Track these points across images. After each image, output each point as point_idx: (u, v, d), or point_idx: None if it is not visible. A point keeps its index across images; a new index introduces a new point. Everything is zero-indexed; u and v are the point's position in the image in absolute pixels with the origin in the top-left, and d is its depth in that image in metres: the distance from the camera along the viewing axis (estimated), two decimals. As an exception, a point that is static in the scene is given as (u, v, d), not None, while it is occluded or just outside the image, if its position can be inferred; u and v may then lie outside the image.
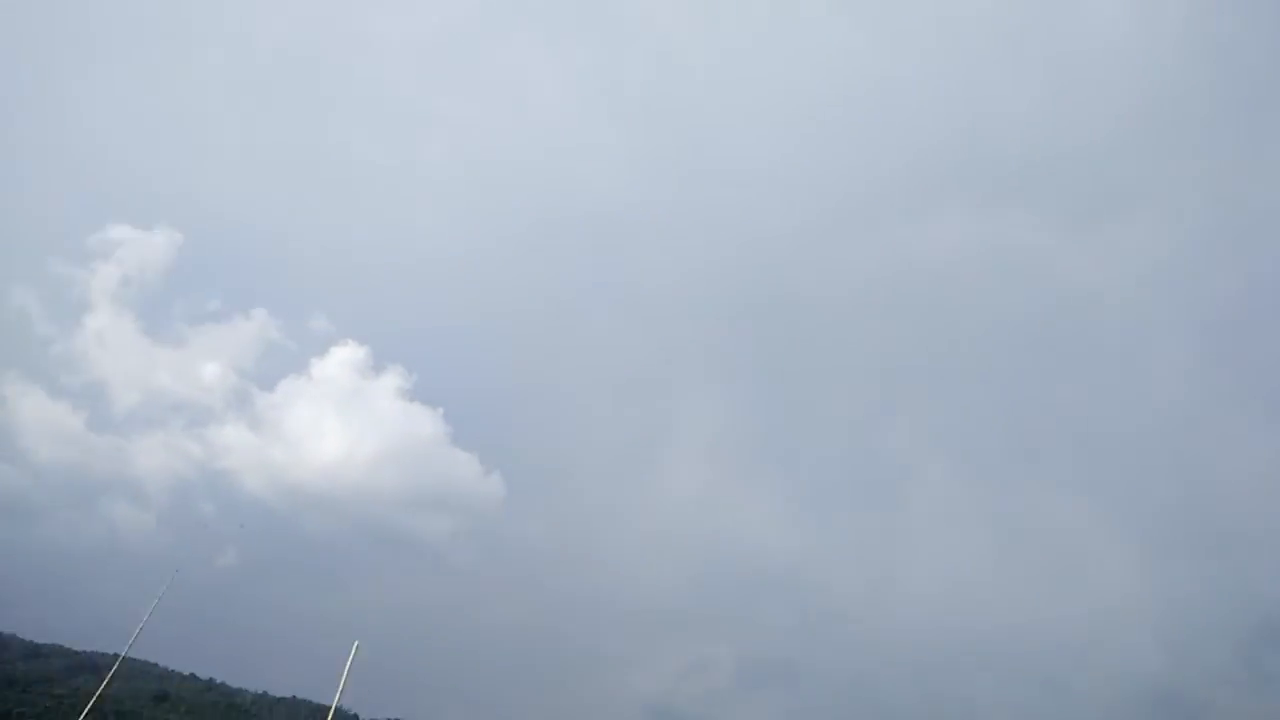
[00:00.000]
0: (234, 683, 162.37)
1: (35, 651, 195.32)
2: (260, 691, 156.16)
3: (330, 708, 33.43)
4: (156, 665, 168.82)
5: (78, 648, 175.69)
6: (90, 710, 53.70)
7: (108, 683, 72.11)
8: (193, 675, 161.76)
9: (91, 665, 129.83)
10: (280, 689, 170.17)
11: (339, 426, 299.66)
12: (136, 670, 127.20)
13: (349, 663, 24.33)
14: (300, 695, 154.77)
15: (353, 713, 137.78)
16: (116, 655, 75.79)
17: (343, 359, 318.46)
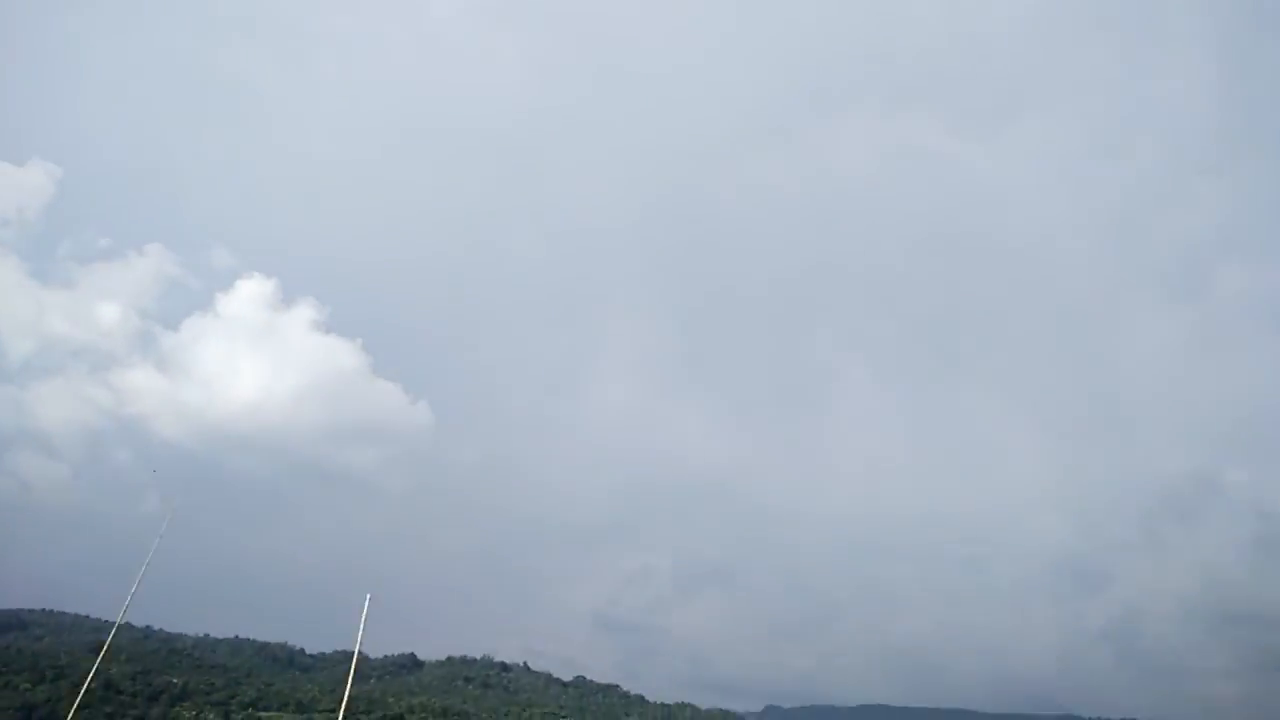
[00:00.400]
0: (172, 628, 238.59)
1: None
2: (201, 634, 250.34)
3: (274, 644, 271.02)
4: (89, 617, 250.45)
5: (1, 605, 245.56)
6: (26, 668, 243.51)
7: (41, 639, 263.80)
8: (128, 624, 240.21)
9: (19, 622, 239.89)
10: (221, 630, 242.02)
11: (253, 364, 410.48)
12: (68, 624, 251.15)
13: (364, 614, 23.82)
14: (242, 635, 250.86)
15: (298, 647, 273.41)
16: (46, 610, 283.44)
17: (250, 293, 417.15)
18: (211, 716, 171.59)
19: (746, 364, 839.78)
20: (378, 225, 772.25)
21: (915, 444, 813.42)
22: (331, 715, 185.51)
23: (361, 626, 25.80)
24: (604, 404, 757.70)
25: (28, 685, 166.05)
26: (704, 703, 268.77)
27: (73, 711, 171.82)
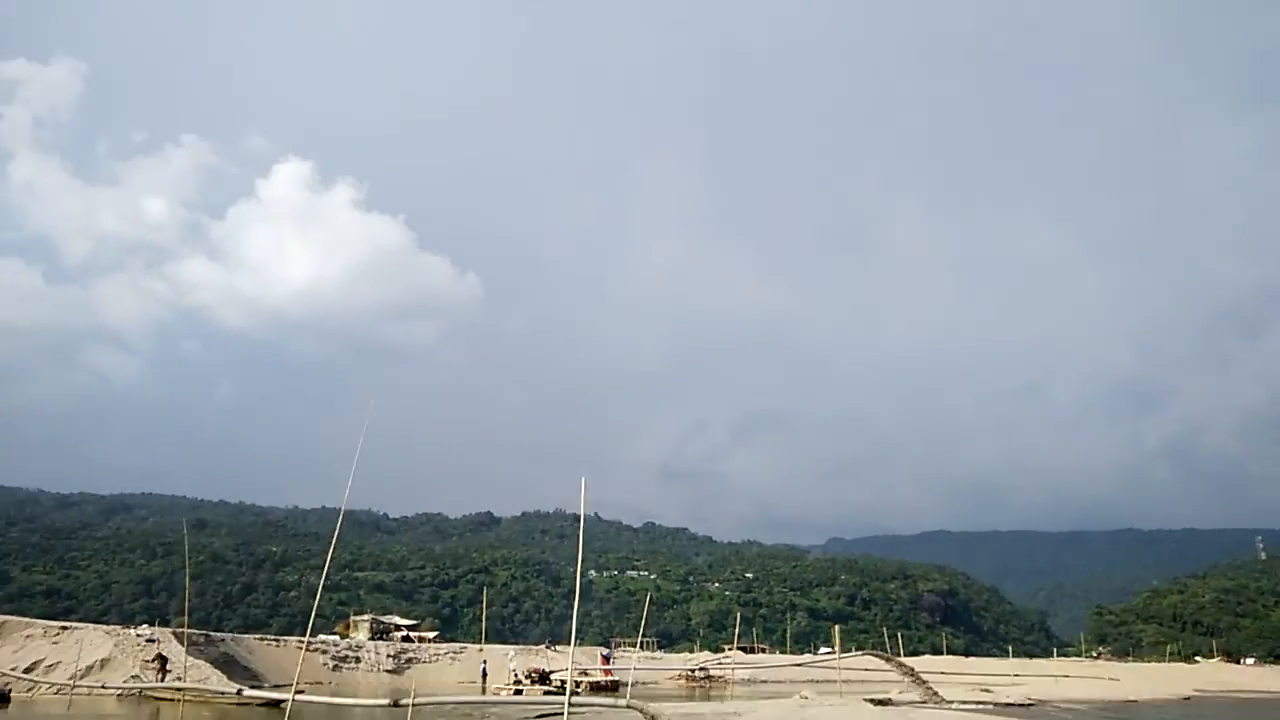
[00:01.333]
0: (263, 503, 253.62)
1: (65, 501, 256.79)
2: (290, 506, 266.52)
3: (344, 511, 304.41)
4: (185, 497, 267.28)
5: (103, 491, 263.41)
6: (138, 546, 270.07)
7: (145, 520, 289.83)
8: (222, 501, 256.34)
9: (123, 506, 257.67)
10: (308, 502, 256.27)
11: (301, 248, 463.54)
12: (167, 505, 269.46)
13: (583, 493, 23.11)
14: (329, 505, 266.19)
15: (381, 512, 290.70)
16: (145, 494, 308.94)
17: (289, 176, 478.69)
18: (312, 579, 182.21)
19: (793, 210, 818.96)
20: (409, 97, 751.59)
21: (969, 277, 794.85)
22: (420, 572, 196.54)
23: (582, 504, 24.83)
24: (651, 260, 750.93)
25: (143, 561, 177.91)
26: (769, 539, 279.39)
27: (188, 581, 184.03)
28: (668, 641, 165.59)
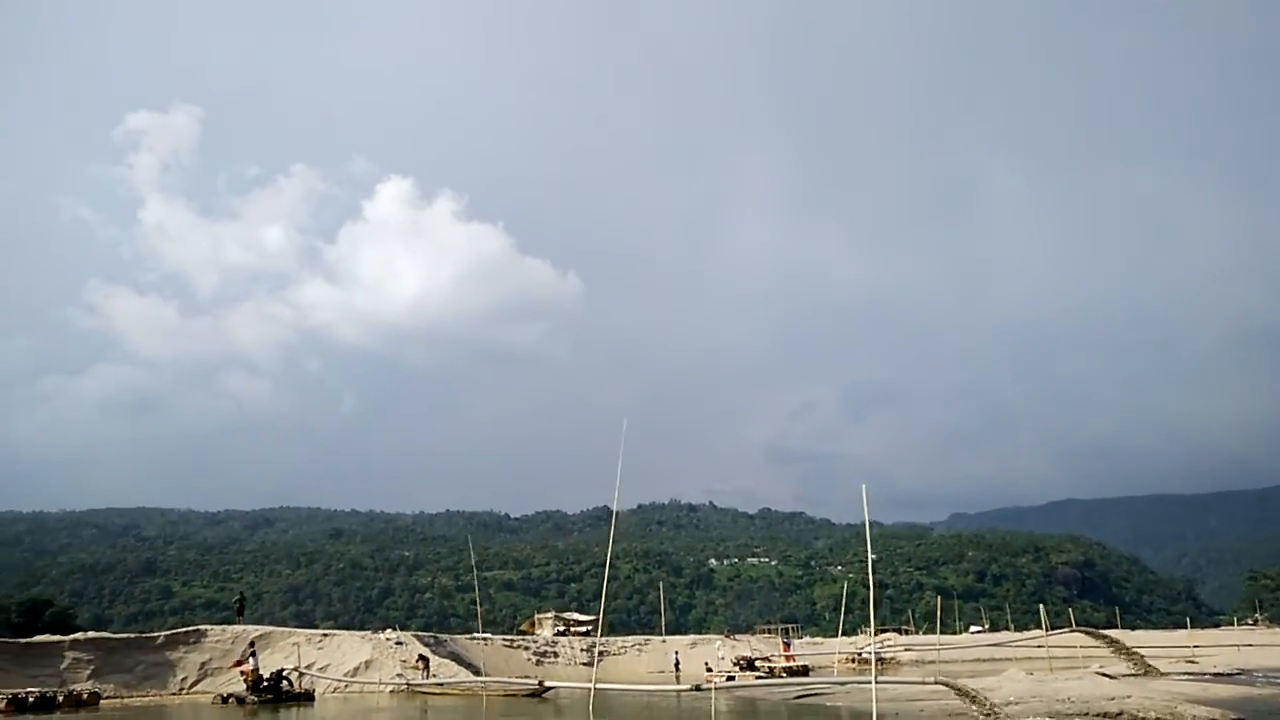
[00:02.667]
0: (390, 509, 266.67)
1: (213, 519, 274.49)
2: (417, 512, 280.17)
3: (482, 512, 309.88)
4: (320, 509, 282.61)
5: (246, 508, 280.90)
6: (283, 557, 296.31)
7: (286, 531, 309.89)
8: (353, 510, 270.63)
9: (265, 520, 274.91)
10: (433, 506, 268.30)
11: (409, 262, 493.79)
12: (305, 516, 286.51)
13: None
14: (451, 508, 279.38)
15: (503, 512, 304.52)
16: (284, 507, 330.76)
17: (392, 195, 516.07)
18: (444, 580, 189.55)
19: (888, 178, 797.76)
20: (499, 107, 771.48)
21: (1087, 233, 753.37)
22: (545, 569, 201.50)
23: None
24: (747, 242, 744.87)
25: (288, 571, 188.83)
26: (888, 518, 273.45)
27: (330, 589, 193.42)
28: (792, 625, 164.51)
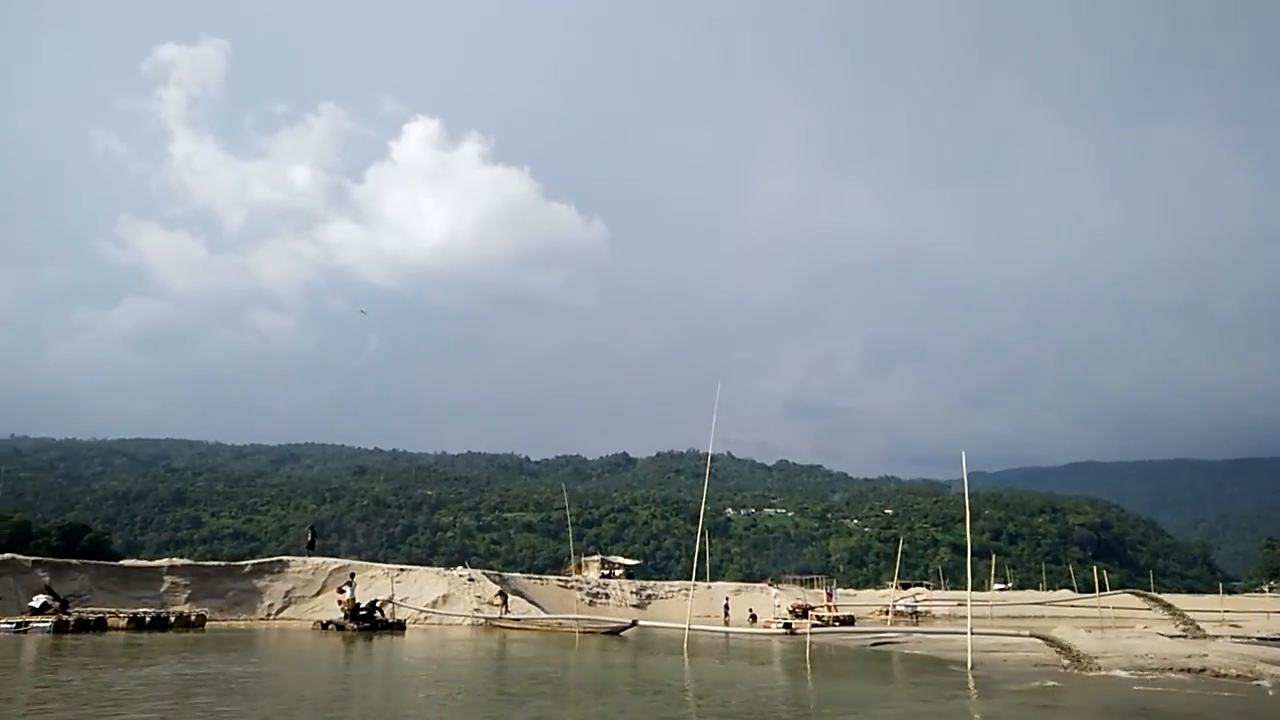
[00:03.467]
0: (413, 449, 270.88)
1: (240, 452, 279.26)
2: (439, 452, 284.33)
3: (502, 455, 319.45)
4: (345, 446, 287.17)
5: (272, 443, 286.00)
6: (309, 492, 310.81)
7: (311, 467, 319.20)
8: (376, 449, 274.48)
9: (290, 456, 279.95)
10: (455, 447, 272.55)
11: (435, 204, 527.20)
12: (330, 453, 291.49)
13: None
14: (474, 450, 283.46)
15: (523, 455, 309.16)
16: (309, 444, 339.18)
17: (419, 135, 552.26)
18: (465, 519, 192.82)
19: (912, 132, 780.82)
20: (527, 50, 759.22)
21: (1114, 191, 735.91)
22: (564, 512, 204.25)
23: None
24: (772, 195, 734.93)
25: (314, 506, 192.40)
26: (905, 474, 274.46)
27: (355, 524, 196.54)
28: (807, 577, 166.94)
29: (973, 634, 21.22)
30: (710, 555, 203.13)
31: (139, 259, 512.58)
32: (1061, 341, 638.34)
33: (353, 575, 38.03)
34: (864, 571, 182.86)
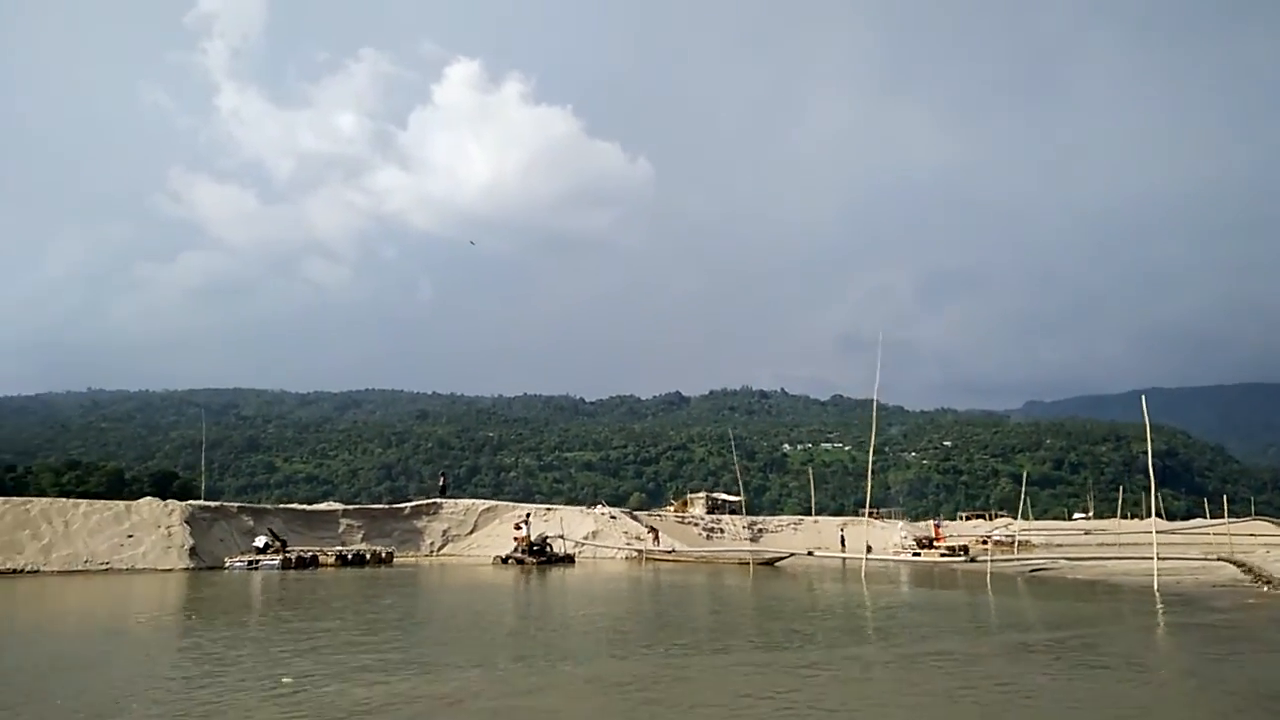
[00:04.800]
0: (470, 393, 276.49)
1: (305, 400, 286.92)
2: (495, 395, 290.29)
3: (558, 396, 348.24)
4: (404, 391, 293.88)
5: (335, 389, 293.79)
6: (375, 436, 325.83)
7: (374, 413, 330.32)
8: (435, 393, 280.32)
9: (353, 401, 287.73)
10: (511, 390, 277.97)
11: (479, 147, 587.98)
12: (390, 398, 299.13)
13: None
14: (530, 392, 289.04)
15: (578, 396, 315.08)
16: (369, 389, 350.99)
17: (460, 78, 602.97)
18: (527, 460, 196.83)
19: (970, 54, 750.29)
20: None
21: (1176, 109, 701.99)
22: (623, 450, 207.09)
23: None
24: (823, 124, 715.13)
25: (380, 450, 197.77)
26: (963, 405, 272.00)
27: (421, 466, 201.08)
28: (863, 509, 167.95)
29: (1159, 559, 21.29)
30: (769, 489, 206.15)
31: (193, 212, 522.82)
32: (1124, 266, 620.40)
33: (528, 515, 40.35)
34: (924, 504, 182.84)
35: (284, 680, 9.03)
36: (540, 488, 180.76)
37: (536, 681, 9.51)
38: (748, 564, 33.67)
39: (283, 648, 11.66)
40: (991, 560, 27.08)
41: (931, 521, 63.76)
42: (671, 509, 60.34)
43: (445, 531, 41.81)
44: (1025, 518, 78.05)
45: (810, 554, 33.94)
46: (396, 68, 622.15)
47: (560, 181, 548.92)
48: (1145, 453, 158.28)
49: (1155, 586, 20.87)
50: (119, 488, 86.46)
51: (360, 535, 38.81)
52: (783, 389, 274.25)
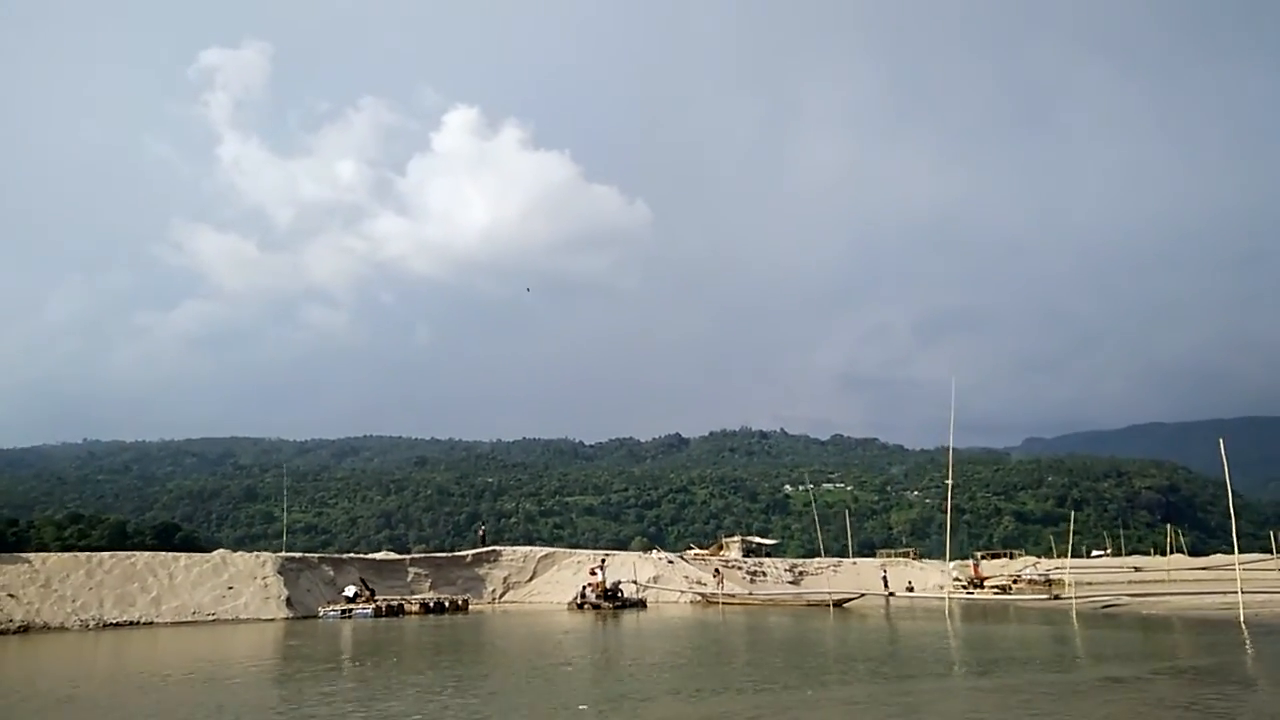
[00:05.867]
0: (469, 438, 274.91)
1: (303, 448, 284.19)
2: (494, 440, 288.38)
3: (557, 440, 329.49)
4: (402, 437, 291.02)
5: (332, 436, 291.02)
6: (373, 484, 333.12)
7: (371, 460, 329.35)
8: (433, 439, 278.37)
9: (351, 449, 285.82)
10: (509, 434, 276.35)
11: (477, 193, 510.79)
12: (388, 445, 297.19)
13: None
14: (528, 436, 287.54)
15: (577, 440, 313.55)
16: (367, 436, 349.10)
17: (458, 125, 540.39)
18: (527, 505, 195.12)
19: (962, 91, 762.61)
20: (563, 31, 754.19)
21: (1173, 142, 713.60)
22: (624, 494, 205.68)
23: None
24: (818, 163, 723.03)
25: (379, 498, 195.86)
26: (962, 443, 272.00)
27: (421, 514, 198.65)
28: (870, 551, 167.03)
29: (1243, 592, 21.41)
30: (771, 531, 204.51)
31: (194, 261, 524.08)
32: (1122, 302, 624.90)
33: (603, 561, 41.69)
34: (927, 543, 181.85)
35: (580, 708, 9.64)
36: (541, 533, 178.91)
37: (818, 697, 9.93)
38: (813, 605, 33.88)
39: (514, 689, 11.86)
40: (1076, 598, 27.39)
41: (969, 562, 63.78)
42: (708, 552, 60.28)
43: (506, 578, 42.90)
44: (1048, 556, 77.87)
45: (891, 595, 34.23)
46: (396, 115, 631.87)
47: (558, 225, 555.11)
48: (1148, 488, 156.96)
49: (1241, 619, 20.96)
50: (121, 540, 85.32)
51: (428, 583, 39.96)
52: (782, 429, 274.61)
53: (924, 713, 9.56)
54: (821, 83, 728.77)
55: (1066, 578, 58.99)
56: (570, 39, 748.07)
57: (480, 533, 46.85)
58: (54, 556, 32.38)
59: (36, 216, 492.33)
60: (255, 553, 34.84)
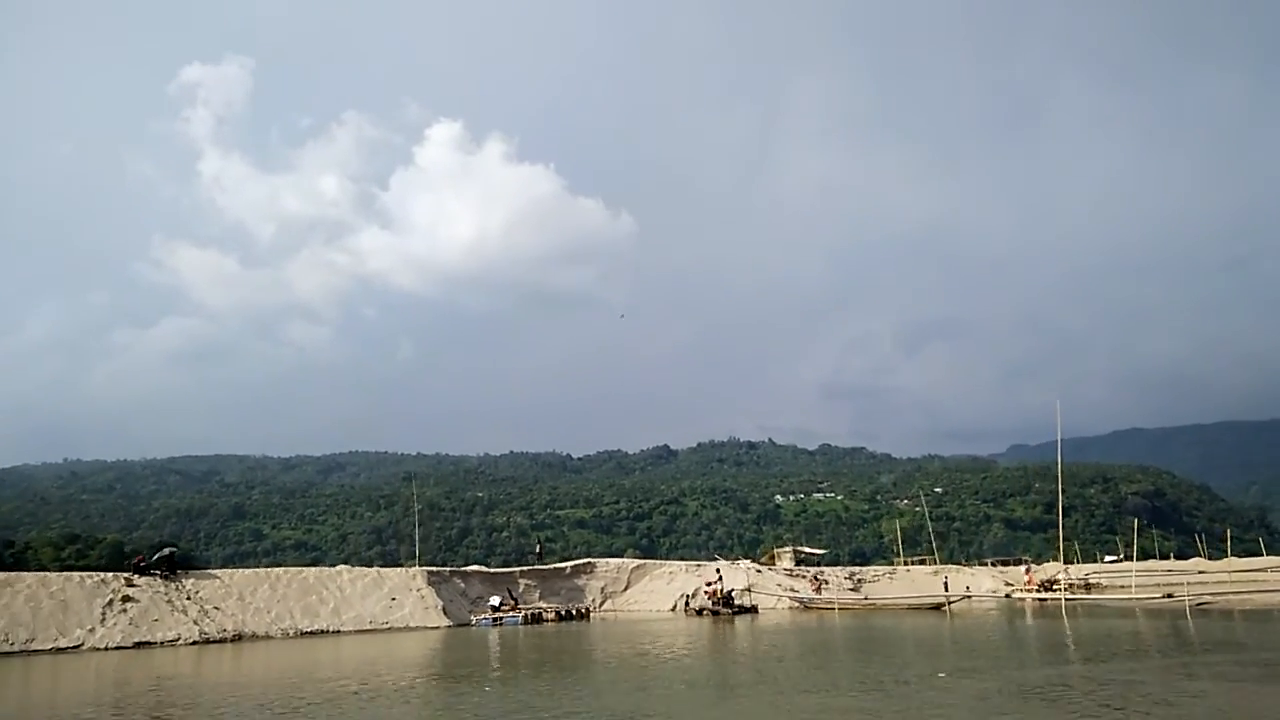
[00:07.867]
0: (456, 452, 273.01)
1: (288, 464, 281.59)
2: (482, 454, 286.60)
3: (545, 453, 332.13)
4: (389, 453, 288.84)
5: (317, 453, 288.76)
6: (362, 500, 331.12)
7: (358, 475, 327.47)
8: (420, 454, 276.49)
9: (337, 465, 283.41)
10: (497, 448, 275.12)
11: (461, 207, 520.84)
12: (375, 460, 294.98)
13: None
14: (516, 450, 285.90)
15: (565, 453, 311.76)
16: (353, 452, 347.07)
17: (442, 139, 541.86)
18: (519, 519, 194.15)
19: (945, 104, 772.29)
20: (546, 44, 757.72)
21: (1153, 151, 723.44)
22: (615, 506, 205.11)
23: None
24: (801, 174, 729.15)
25: (369, 513, 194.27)
26: (947, 451, 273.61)
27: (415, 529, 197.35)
28: (863, 559, 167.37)
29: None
30: (763, 541, 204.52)
31: (175, 278, 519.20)
32: (1102, 308, 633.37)
33: (719, 570, 43.78)
34: (918, 551, 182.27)
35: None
36: (532, 547, 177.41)
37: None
38: (914, 609, 37.48)
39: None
40: (1206, 599, 29.40)
41: (1022, 567, 66.31)
42: (761, 562, 61.60)
43: (603, 588, 46.24)
44: (1070, 562, 79.81)
45: (963, 598, 36.30)
46: (379, 129, 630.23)
47: (543, 238, 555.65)
48: (1134, 494, 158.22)
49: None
50: (119, 560, 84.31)
51: (537, 593, 42.88)
52: (770, 439, 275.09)
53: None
54: (806, 95, 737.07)
55: (1103, 581, 60.21)
56: (554, 52, 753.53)
57: (539, 549, 49.54)
58: (239, 572, 35.19)
59: (15, 234, 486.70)
60: (404, 567, 38.61)
